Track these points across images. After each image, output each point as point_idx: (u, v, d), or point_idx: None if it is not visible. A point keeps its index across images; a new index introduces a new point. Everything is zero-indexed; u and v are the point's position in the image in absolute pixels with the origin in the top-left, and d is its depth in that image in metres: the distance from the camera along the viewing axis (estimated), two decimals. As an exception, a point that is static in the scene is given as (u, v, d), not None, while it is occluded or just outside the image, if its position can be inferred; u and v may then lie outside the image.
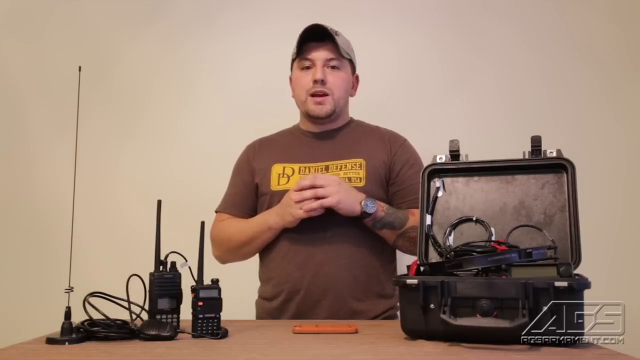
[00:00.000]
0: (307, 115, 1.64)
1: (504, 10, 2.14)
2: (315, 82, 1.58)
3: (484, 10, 2.15)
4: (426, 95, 2.14)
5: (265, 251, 1.60)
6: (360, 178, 1.55)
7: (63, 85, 2.19)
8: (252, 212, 1.64)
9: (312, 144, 1.65)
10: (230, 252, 1.63)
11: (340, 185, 1.45)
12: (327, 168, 1.58)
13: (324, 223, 1.48)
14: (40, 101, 2.27)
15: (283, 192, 1.52)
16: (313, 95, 1.60)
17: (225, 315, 1.14)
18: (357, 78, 1.71)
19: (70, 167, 1.23)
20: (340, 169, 1.57)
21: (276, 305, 1.54)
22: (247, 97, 2.19)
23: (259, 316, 1.62)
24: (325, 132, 1.66)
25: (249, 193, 1.65)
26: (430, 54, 2.15)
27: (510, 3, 2.14)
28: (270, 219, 1.53)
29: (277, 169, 1.61)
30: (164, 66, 2.24)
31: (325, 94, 1.59)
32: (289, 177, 1.59)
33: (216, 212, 1.68)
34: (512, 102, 2.09)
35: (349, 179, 1.55)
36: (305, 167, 1.60)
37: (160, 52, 2.25)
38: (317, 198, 1.43)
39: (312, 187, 1.43)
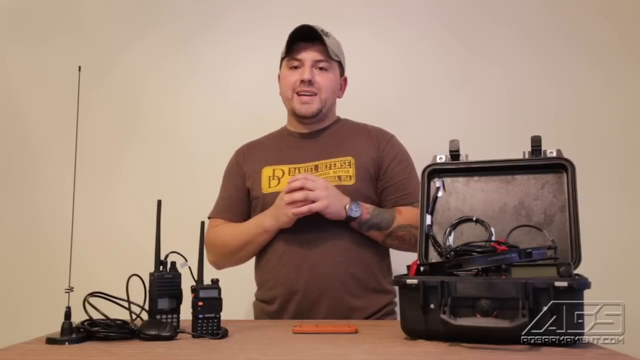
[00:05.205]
0: (293, 114, 1.64)
1: (503, 10, 2.14)
2: (302, 82, 1.58)
3: (482, 11, 2.15)
4: (426, 96, 2.14)
5: (260, 254, 1.60)
6: (350, 176, 1.55)
7: (63, 85, 2.19)
8: (246, 216, 1.64)
9: (300, 145, 1.65)
10: (226, 257, 1.62)
11: (328, 189, 1.45)
12: (316, 167, 1.58)
13: (317, 223, 1.48)
14: (40, 101, 2.27)
15: (274, 195, 1.52)
16: (299, 94, 1.60)
17: (225, 315, 1.14)
18: (345, 80, 1.71)
19: (70, 167, 1.23)
20: (330, 168, 1.57)
21: (275, 307, 1.53)
22: (246, 98, 2.18)
23: (258, 318, 1.61)
24: (313, 132, 1.66)
25: (241, 197, 1.65)
26: (430, 54, 2.15)
27: (509, 3, 2.14)
28: (265, 221, 1.52)
29: (267, 171, 1.61)
30: (164, 67, 2.24)
31: (313, 94, 1.59)
32: (279, 179, 1.58)
33: (209, 218, 1.67)
34: (512, 102, 2.09)
35: (339, 177, 1.54)
36: (294, 168, 1.59)
37: (160, 53, 2.25)
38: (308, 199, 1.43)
39: (303, 188, 1.43)
